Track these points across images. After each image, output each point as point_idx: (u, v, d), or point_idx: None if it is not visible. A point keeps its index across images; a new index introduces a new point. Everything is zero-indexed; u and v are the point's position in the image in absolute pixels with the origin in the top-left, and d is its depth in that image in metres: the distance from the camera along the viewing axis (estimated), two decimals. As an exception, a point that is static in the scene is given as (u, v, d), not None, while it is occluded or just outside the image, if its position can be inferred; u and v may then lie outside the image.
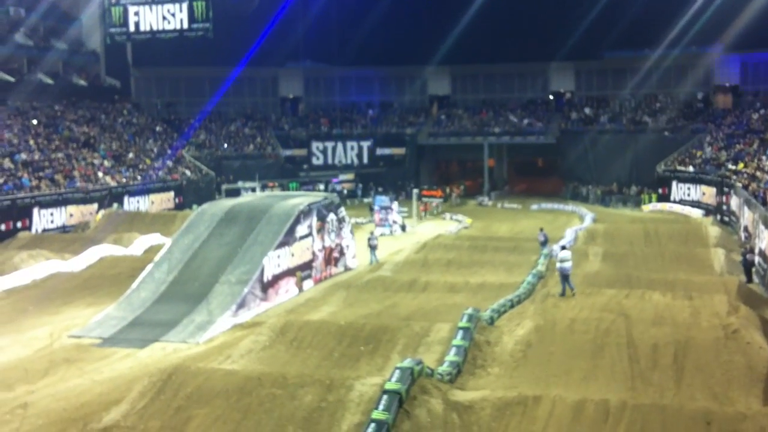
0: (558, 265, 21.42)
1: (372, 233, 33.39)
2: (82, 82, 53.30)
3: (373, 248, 30.99)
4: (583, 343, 16.57)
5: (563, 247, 24.08)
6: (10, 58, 48.99)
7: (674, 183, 47.39)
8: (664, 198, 47.78)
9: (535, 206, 50.31)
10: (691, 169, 46.78)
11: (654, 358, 15.73)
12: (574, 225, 39.11)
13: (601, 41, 54.64)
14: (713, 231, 33.53)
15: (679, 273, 25.39)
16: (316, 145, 60.04)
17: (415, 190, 45.40)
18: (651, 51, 54.26)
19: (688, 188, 45.95)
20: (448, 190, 56.13)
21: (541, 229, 32.39)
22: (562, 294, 20.66)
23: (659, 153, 50.30)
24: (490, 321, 18.51)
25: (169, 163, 50.63)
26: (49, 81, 50.12)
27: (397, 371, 13.03)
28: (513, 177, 63.26)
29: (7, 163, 39.98)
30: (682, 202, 46.01)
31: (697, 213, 42.56)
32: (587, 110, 58.46)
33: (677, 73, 57.62)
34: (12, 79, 47.38)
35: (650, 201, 48.38)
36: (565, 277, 20.88)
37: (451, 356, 15.55)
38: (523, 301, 21.46)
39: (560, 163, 59.41)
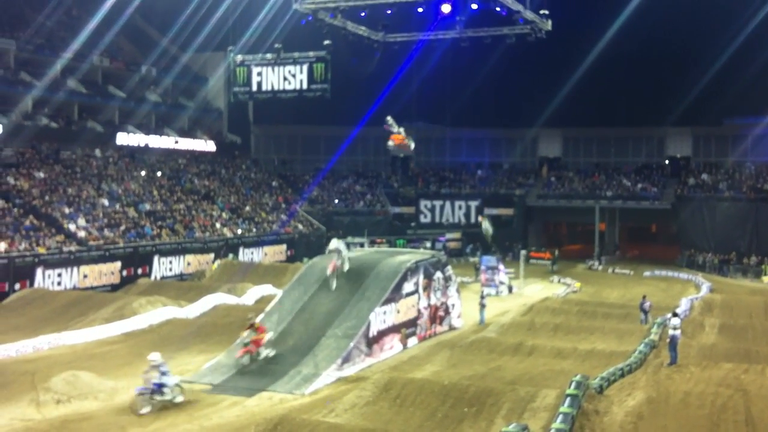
0: (670, 332, 20.87)
1: (482, 293, 33.23)
2: (206, 139, 55.99)
3: (483, 307, 30.87)
4: (698, 419, 15.86)
5: (675, 314, 23.30)
6: (144, 115, 52.18)
7: (797, 254, 45.18)
8: (787, 269, 45.50)
9: (647, 273, 48.74)
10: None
11: (775, 438, 14.91)
12: (689, 294, 37.66)
13: (720, 106, 53.30)
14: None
15: (803, 349, 24.02)
16: (424, 204, 60.61)
17: (523, 251, 44.92)
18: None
19: (814, 260, 43.63)
20: (557, 252, 55.33)
21: (644, 297, 31.29)
22: (671, 363, 19.99)
23: (782, 222, 48.14)
24: (599, 389, 18.00)
25: (283, 216, 52.19)
26: (176, 137, 52.97)
27: (502, 435, 12.87)
28: (624, 242, 61.67)
29: (131, 212, 42.23)
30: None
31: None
32: (705, 176, 56.70)
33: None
34: (143, 135, 50.33)
35: (772, 272, 46.15)
36: (674, 345, 20.26)
37: (558, 424, 15.17)
38: (634, 370, 20.76)
39: (675, 229, 57.59)
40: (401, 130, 32.29)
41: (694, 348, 23.43)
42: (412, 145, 33.61)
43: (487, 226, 54.09)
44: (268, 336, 22.61)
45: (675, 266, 51.23)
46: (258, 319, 24.27)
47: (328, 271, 25.38)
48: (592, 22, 50.34)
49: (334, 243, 26.20)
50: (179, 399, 18.83)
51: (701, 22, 50.11)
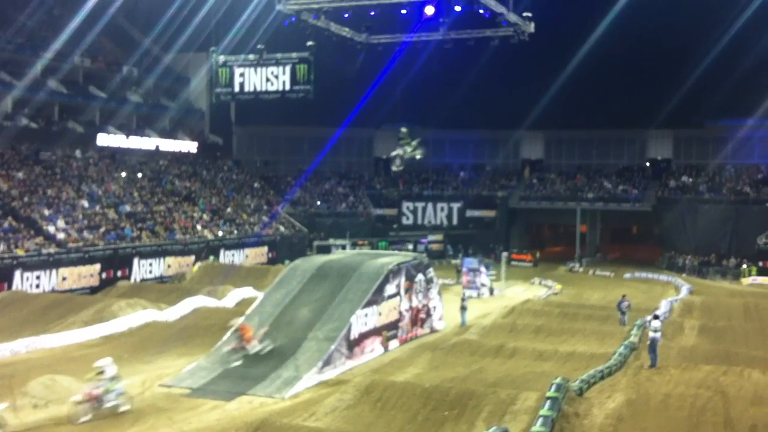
0: (650, 335, 21.03)
1: (464, 295, 33.24)
2: (188, 140, 55.66)
3: (464, 310, 30.92)
4: (678, 421, 15.93)
5: (656, 317, 23.41)
6: (126, 115, 51.84)
7: (776, 256, 45.61)
8: (765, 271, 45.83)
9: (628, 275, 49.01)
10: (795, 242, 44.89)
11: (753, 440, 15.00)
12: (669, 296, 37.88)
13: (701, 109, 53.66)
14: (820, 308, 31.87)
15: (781, 351, 24.22)
16: (406, 205, 60.64)
17: (505, 253, 45.04)
18: (754, 120, 52.86)
19: (792, 262, 44.10)
20: (538, 254, 55.54)
21: (624, 296, 31.44)
22: (652, 365, 20.10)
23: (761, 225, 48.50)
24: (579, 392, 18.05)
25: (265, 218, 52.02)
26: (157, 138, 52.65)
27: (482, 439, 12.86)
28: (606, 244, 61.98)
29: (111, 214, 41.93)
30: (784, 276, 44.16)
31: (802, 289, 40.61)
32: (685, 178, 57.09)
33: (782, 143, 55.95)
34: (124, 136, 49.98)
35: (750, 274, 46.49)
36: (654, 347, 20.40)
37: (538, 426, 15.20)
38: (614, 372, 20.84)
39: (656, 231, 57.99)
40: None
41: (674, 350, 23.55)
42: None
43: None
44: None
45: (655, 268, 51.55)
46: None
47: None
48: (575, 25, 50.50)
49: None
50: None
51: (683, 25, 50.33)
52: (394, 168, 33.86)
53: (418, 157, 32.00)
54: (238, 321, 24.35)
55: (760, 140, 55.72)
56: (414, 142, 30.85)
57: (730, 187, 54.17)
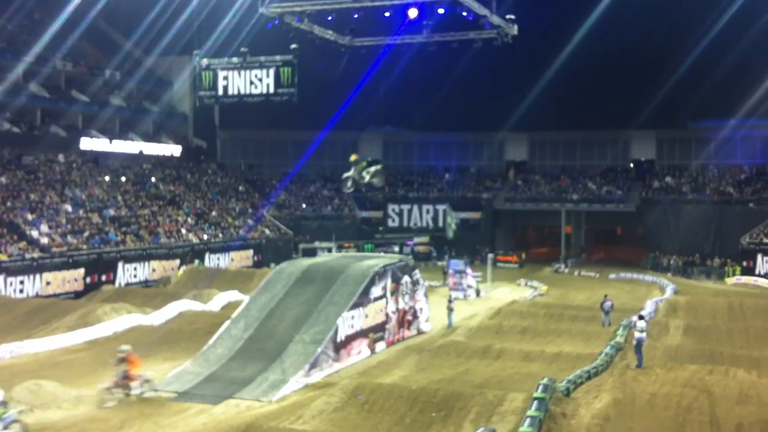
0: (636, 335, 21.14)
1: (450, 297, 33.29)
2: (172, 143, 55.43)
3: (450, 311, 30.93)
4: (664, 420, 16.00)
5: (641, 317, 23.53)
6: (108, 119, 51.53)
7: (759, 256, 45.90)
8: (749, 271, 46.18)
9: (613, 275, 49.25)
10: (778, 241, 45.24)
11: (739, 438, 15.08)
12: (654, 296, 38.09)
13: (684, 110, 54.07)
14: (802, 307, 32.12)
15: (765, 350, 24.38)
16: (392, 208, 60.66)
17: (490, 255, 45.10)
18: (736, 120, 53.29)
19: (775, 262, 44.42)
20: (524, 256, 55.70)
21: (606, 296, 31.55)
22: (638, 366, 20.21)
23: (744, 225, 48.84)
24: (566, 392, 18.09)
25: (250, 221, 51.87)
26: (140, 142, 52.36)
27: (470, 440, 12.85)
28: (591, 244, 62.27)
29: (95, 218, 41.66)
30: (767, 275, 44.34)
31: (784, 287, 40.96)
32: (669, 179, 57.46)
33: (764, 144, 56.30)
34: (107, 140, 49.67)
35: (734, 274, 46.84)
36: (639, 348, 20.52)
37: (525, 427, 15.20)
38: (600, 373, 20.90)
39: (640, 231, 58.31)
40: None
41: (660, 350, 23.67)
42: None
43: (450, 221, 54.14)
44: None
45: (640, 268, 51.81)
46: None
47: None
48: (558, 27, 50.78)
49: None
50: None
51: (665, 26, 50.79)
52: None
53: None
54: (226, 324, 24.23)
55: (743, 140, 56.25)
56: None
57: (713, 188, 54.56)
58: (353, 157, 29.55)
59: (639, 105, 53.84)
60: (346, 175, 30.11)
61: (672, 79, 50.00)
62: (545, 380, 17.19)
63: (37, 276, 34.83)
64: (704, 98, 50.35)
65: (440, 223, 59.42)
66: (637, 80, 54.02)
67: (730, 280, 46.31)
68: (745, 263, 46.89)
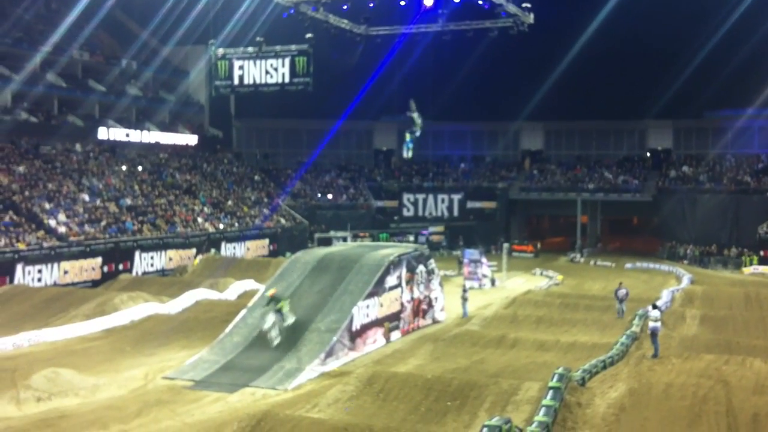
0: (650, 324, 21.10)
1: (465, 286, 33.29)
2: (188, 133, 55.65)
3: (465, 301, 30.95)
4: (680, 410, 15.95)
5: (655, 306, 23.45)
6: (125, 108, 51.80)
7: (777, 245, 45.67)
8: (766, 261, 45.93)
9: (629, 265, 49.04)
10: (796, 231, 44.91)
11: (755, 428, 15.00)
12: (670, 286, 37.92)
13: (701, 99, 53.65)
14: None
15: (782, 340, 24.26)
16: (407, 197, 60.67)
17: (506, 245, 45.06)
18: (753, 110, 52.87)
19: (793, 251, 44.13)
20: (539, 245, 55.58)
21: (621, 284, 31.31)
22: (654, 355, 20.16)
23: (761, 214, 48.57)
24: (581, 382, 18.08)
25: (266, 210, 52.04)
26: (157, 131, 52.61)
27: (485, 430, 12.88)
28: (606, 234, 62.03)
29: (112, 207, 41.92)
30: (785, 265, 44.21)
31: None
32: (686, 169, 57.10)
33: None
34: (124, 130, 49.95)
35: (751, 263, 46.58)
36: (654, 337, 20.48)
37: (541, 416, 15.21)
38: (616, 362, 20.85)
39: (656, 221, 58.04)
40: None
41: (676, 339, 23.59)
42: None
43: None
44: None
45: (656, 258, 51.59)
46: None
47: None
48: (574, 16, 50.50)
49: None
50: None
51: (682, 15, 50.33)
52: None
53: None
54: (242, 313, 24.37)
55: (760, 130, 55.81)
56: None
57: (730, 177, 54.19)
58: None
59: (656, 95, 53.53)
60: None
61: (689, 69, 49.72)
62: (560, 370, 17.17)
63: (55, 265, 35.10)
64: (721, 88, 49.98)
65: (455, 213, 59.38)
66: (654, 70, 53.71)
67: (747, 270, 46.04)
68: (762, 253, 46.63)
